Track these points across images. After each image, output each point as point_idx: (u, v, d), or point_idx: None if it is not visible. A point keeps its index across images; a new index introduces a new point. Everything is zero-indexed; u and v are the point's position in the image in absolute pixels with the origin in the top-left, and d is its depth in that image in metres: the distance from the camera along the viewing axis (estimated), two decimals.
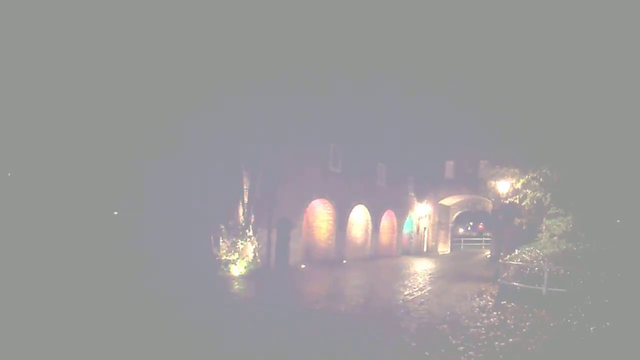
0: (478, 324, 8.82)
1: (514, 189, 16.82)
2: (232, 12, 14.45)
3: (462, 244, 43.62)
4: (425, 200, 30.54)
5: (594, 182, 13.44)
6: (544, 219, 17.24)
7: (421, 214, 30.52)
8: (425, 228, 31.59)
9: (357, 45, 18.56)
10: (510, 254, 14.54)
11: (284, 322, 8.52)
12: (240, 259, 14.59)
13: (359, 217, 23.68)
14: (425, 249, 31.59)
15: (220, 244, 14.57)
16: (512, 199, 17.21)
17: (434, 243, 32.53)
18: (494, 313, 9.94)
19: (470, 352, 6.77)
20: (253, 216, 15.31)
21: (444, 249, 33.74)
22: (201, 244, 14.59)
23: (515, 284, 11.52)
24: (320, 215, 20.94)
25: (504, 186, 16.69)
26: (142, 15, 13.97)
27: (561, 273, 10.83)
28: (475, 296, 12.42)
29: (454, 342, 7.34)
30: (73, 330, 7.15)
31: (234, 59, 14.81)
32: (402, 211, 27.73)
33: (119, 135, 14.93)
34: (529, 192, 16.20)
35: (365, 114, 21.68)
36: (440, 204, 32.44)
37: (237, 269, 14.44)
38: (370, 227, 23.80)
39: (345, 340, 7.32)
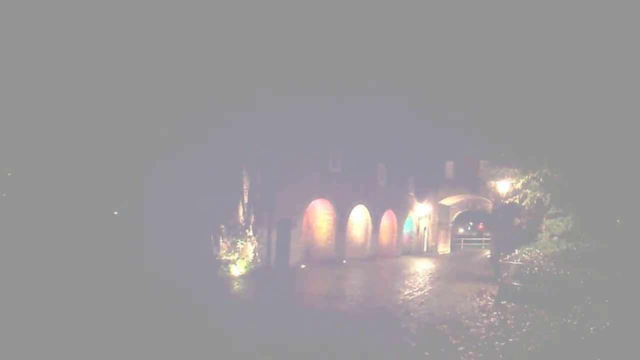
0: (478, 324, 8.82)
1: (514, 189, 16.79)
2: (233, 12, 14.45)
3: (462, 244, 43.62)
4: (425, 200, 30.54)
5: (594, 182, 13.42)
6: (544, 219, 17.21)
7: (421, 214, 30.51)
8: (425, 228, 31.59)
9: (357, 46, 18.56)
10: (510, 254, 14.52)
11: (284, 322, 8.52)
12: (240, 259, 14.60)
13: (359, 217, 23.67)
14: (425, 249, 31.58)
15: (220, 244, 14.57)
16: (512, 199, 17.18)
17: (434, 243, 32.53)
18: (494, 313, 9.94)
19: (470, 352, 6.77)
20: (253, 216, 15.31)
21: (444, 249, 33.74)
22: (201, 244, 14.59)
23: (515, 284, 11.52)
24: (320, 215, 20.93)
25: (504, 186, 16.68)
26: (144, 15, 13.97)
27: (561, 273, 10.83)
28: (475, 296, 12.42)
29: (454, 342, 7.34)
30: (73, 330, 7.14)
31: (235, 60, 14.82)
32: (402, 211, 27.72)
33: (119, 135, 14.94)
34: (529, 192, 16.17)
35: (365, 114, 21.66)
36: (440, 204, 32.43)
37: (237, 269, 14.44)
38: (370, 227, 23.79)
39: (345, 340, 7.32)
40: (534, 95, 14.03)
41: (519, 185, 16.26)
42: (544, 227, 17.12)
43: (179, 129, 15.11)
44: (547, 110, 13.69)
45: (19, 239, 12.90)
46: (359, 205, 22.78)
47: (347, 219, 21.84)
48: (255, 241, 15.28)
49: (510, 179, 16.61)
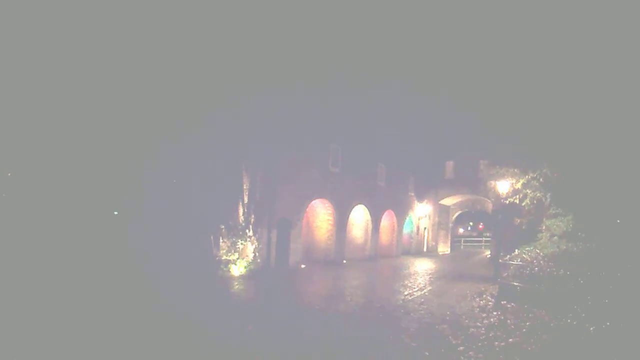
0: (478, 324, 8.82)
1: (514, 189, 16.81)
2: (233, 12, 14.45)
3: (462, 244, 43.64)
4: (425, 200, 30.54)
5: (594, 182, 13.43)
6: (544, 219, 17.23)
7: (421, 214, 30.52)
8: (425, 228, 31.59)
9: (357, 46, 18.56)
10: (510, 254, 14.53)
11: (284, 322, 8.52)
12: (240, 259, 14.59)
13: (359, 217, 23.67)
14: (425, 249, 31.59)
15: (220, 244, 14.56)
16: (512, 199, 17.20)
17: (434, 243, 32.54)
18: (494, 313, 9.94)
19: (470, 352, 6.77)
20: (253, 216, 15.31)
21: (444, 249, 33.74)
22: (201, 244, 14.58)
23: (515, 284, 11.52)
24: (320, 215, 20.93)
25: (504, 186, 16.69)
26: (145, 16, 13.98)
27: (561, 273, 10.83)
28: (475, 296, 12.42)
29: (454, 342, 7.34)
30: (72, 330, 7.14)
31: (234, 60, 14.81)
32: (402, 211, 27.72)
33: (120, 135, 14.94)
34: (529, 192, 16.20)
35: (365, 113, 21.68)
36: (440, 204, 32.44)
37: (237, 269, 14.44)
38: (370, 227, 23.79)
39: (345, 340, 7.32)
40: (533, 95, 14.05)
41: (519, 185, 16.28)
42: (544, 227, 17.14)
43: (179, 129, 15.11)
44: (547, 110, 13.71)
45: (19, 239, 12.90)
46: (359, 205, 22.78)
47: (347, 219, 21.84)
48: (255, 241, 15.28)
49: (510, 179, 16.63)
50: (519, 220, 18.54)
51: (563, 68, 13.20)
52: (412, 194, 29.31)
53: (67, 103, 14.00)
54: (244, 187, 15.31)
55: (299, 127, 17.29)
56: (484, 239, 45.57)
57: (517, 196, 16.89)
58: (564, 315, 9.16)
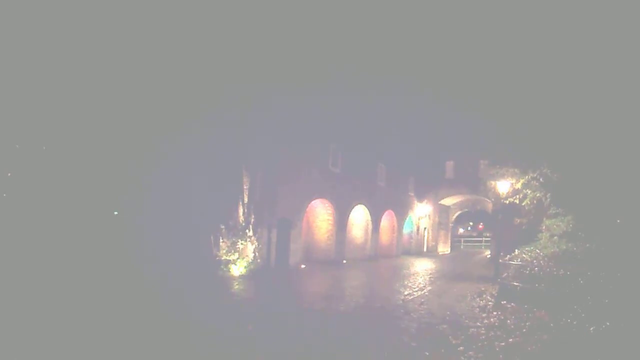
0: (478, 324, 8.81)
1: (514, 189, 16.81)
2: (234, 12, 14.45)
3: (462, 244, 43.69)
4: (425, 200, 30.55)
5: (594, 182, 13.42)
6: (544, 219, 17.22)
7: (421, 214, 30.53)
8: (425, 228, 31.60)
9: (357, 46, 18.56)
10: (510, 254, 14.53)
11: (284, 322, 8.52)
12: (240, 259, 14.60)
13: (359, 217, 23.68)
14: (425, 249, 31.60)
15: (220, 244, 14.57)
16: (512, 199, 17.20)
17: (434, 243, 32.54)
18: (494, 313, 9.93)
19: (470, 352, 6.77)
20: (253, 216, 15.31)
21: (444, 249, 33.75)
22: (201, 244, 14.58)
23: (515, 284, 11.51)
24: (320, 215, 20.93)
25: (504, 186, 16.68)
26: (146, 18, 13.98)
27: (561, 273, 10.83)
28: (475, 296, 12.42)
29: (454, 342, 7.34)
30: (72, 330, 7.14)
31: (234, 60, 14.82)
32: (402, 211, 27.73)
33: (120, 135, 14.94)
34: (529, 192, 16.19)
35: (365, 113, 21.68)
36: (440, 204, 32.45)
37: (237, 269, 14.44)
38: (370, 227, 23.80)
39: (346, 340, 7.32)
40: (533, 95, 14.03)
41: (519, 185, 16.28)
42: (544, 227, 17.12)
43: (179, 129, 15.11)
44: (547, 110, 13.70)
45: (18, 239, 12.90)
46: (359, 205, 22.79)
47: (347, 219, 21.85)
48: (255, 241, 15.28)
49: (510, 179, 16.63)
50: (519, 220, 18.53)
51: (563, 68, 13.18)
52: (412, 194, 29.32)
53: (68, 103, 14.00)
54: (244, 187, 15.32)
55: (299, 127, 17.29)
56: (484, 239, 45.62)
57: (517, 196, 16.89)
58: (564, 315, 9.15)
